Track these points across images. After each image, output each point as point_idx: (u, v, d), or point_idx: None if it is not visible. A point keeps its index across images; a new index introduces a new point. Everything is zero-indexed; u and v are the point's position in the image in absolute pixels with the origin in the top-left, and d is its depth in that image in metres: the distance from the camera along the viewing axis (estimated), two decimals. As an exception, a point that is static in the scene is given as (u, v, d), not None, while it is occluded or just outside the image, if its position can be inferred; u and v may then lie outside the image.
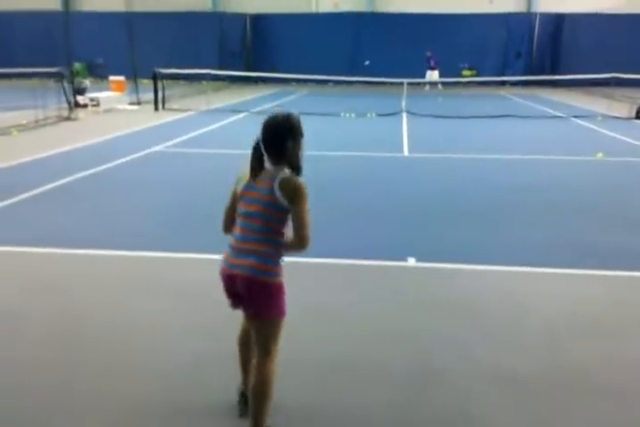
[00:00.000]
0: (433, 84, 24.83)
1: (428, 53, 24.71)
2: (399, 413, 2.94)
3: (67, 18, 16.22)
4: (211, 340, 3.60)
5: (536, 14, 28.11)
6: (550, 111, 17.14)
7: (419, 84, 22.46)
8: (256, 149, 2.60)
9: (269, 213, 2.53)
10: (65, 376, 3.24)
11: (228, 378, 3.02)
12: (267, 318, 2.58)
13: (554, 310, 4.14)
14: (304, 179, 2.59)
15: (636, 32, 25.77)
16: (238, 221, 2.61)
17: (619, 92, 18.92)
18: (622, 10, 26.02)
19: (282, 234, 2.58)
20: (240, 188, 2.61)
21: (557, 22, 27.67)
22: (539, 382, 3.22)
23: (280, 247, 2.57)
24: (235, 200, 2.65)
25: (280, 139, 2.56)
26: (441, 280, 4.71)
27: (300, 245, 2.54)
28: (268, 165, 2.60)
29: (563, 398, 3.08)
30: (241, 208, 2.60)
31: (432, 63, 24.67)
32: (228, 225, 2.70)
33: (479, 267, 4.94)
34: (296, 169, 2.59)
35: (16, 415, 2.88)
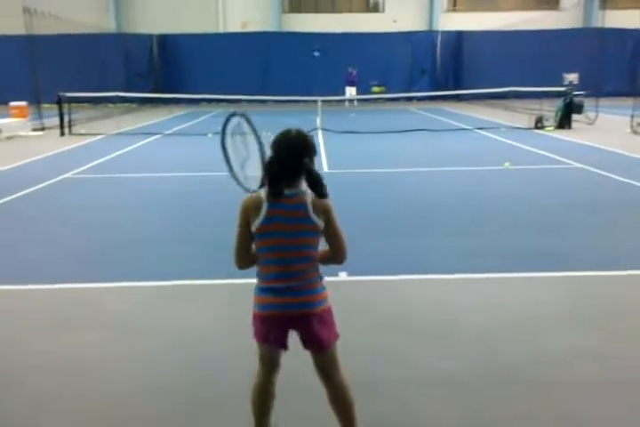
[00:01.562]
0: (350, 100, 25.43)
1: (350, 69, 25.33)
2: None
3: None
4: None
5: (437, 32, 29.44)
6: (457, 124, 17.89)
7: (337, 101, 22.82)
8: (276, 171, 2.35)
9: (307, 241, 2.42)
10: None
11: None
12: (333, 343, 2.54)
13: (482, 314, 4.26)
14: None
15: (530, 47, 27.42)
16: (266, 258, 2.42)
17: (517, 104, 20.04)
18: (516, 26, 27.71)
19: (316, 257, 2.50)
20: (257, 224, 2.37)
21: (457, 40, 29.12)
22: (477, 383, 3.31)
23: (320, 271, 2.52)
24: (248, 234, 2.41)
25: (299, 156, 2.37)
26: (372, 292, 4.76)
27: (342, 260, 2.52)
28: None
29: (500, 394, 3.20)
30: (268, 244, 2.40)
31: (353, 80, 25.38)
32: (247, 260, 2.48)
33: (408, 277, 5.03)
34: (322, 187, 2.38)
35: None
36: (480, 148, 13.15)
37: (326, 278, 4.80)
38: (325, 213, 2.40)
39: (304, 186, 2.41)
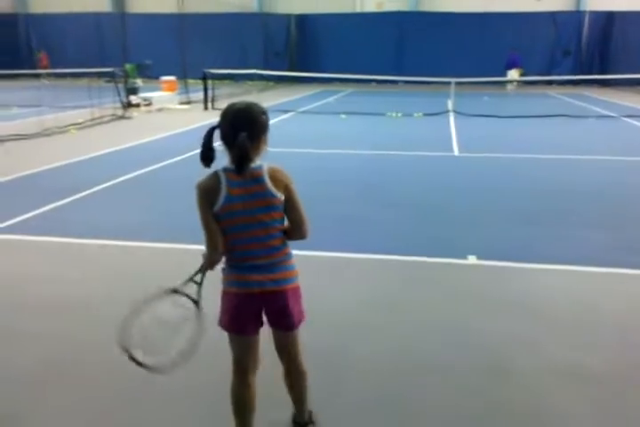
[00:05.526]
0: (511, 82, 24.87)
1: (512, 51, 24.48)
2: (475, 408, 2.99)
3: (122, 20, 16.63)
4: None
5: (585, 12, 27.57)
6: (601, 111, 16.83)
7: (471, 83, 22.32)
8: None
9: (271, 216, 2.31)
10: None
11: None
12: (301, 323, 2.48)
13: (622, 309, 4.14)
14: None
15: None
16: (235, 237, 2.31)
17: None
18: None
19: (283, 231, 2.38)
20: (219, 205, 2.26)
21: (607, 21, 27.08)
22: (614, 380, 3.24)
23: (289, 247, 2.41)
24: (212, 218, 2.28)
25: (237, 129, 2.26)
26: (502, 279, 4.73)
27: (305, 235, 2.38)
28: (229, 161, 2.29)
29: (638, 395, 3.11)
30: (234, 224, 2.29)
31: (515, 61, 24.59)
32: (221, 243, 2.32)
33: (540, 266, 4.94)
34: (240, 165, 2.26)
35: None
36: (627, 136, 12.34)
37: (454, 261, 5.00)
38: (285, 186, 2.31)
39: (259, 161, 2.34)
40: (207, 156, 2.32)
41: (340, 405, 2.95)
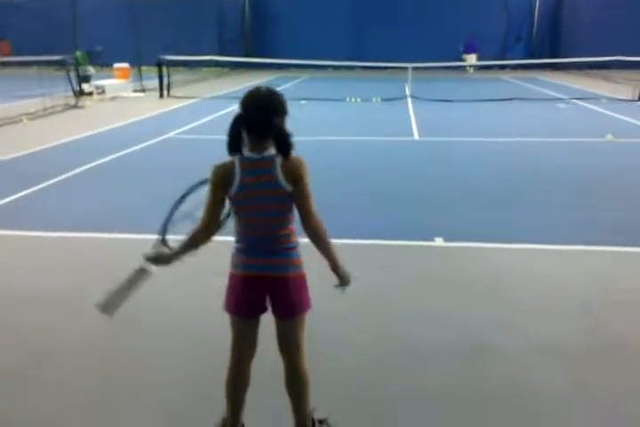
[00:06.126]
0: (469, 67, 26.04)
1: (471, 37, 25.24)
2: (454, 388, 3.04)
3: (74, 5, 16.10)
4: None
5: (536, -4, 28.06)
6: (553, 93, 17.22)
7: (427, 68, 22.59)
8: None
9: (279, 207, 2.33)
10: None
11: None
12: (303, 313, 2.47)
13: (588, 286, 4.27)
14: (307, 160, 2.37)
15: (635, 14, 25.72)
16: (244, 223, 2.36)
17: (619, 74, 18.98)
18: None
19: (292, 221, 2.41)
20: (232, 192, 2.30)
21: (557, 5, 27.64)
22: (588, 356, 3.34)
23: (297, 237, 2.41)
24: (220, 202, 2.33)
25: (269, 114, 2.26)
26: (470, 259, 4.83)
27: (313, 228, 2.34)
28: (246, 149, 2.30)
29: (612, 369, 3.21)
30: (244, 210, 2.34)
31: (472, 46, 25.63)
32: (215, 227, 2.36)
33: (505, 246, 5.07)
34: (288, 147, 2.28)
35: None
36: (578, 119, 12.68)
37: (421, 243, 5.07)
38: (296, 176, 2.29)
39: (273, 150, 2.31)
40: (237, 144, 2.29)
41: (322, 394, 2.97)
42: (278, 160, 2.28)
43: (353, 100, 15.73)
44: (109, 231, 5.38)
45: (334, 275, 2.43)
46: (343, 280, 2.44)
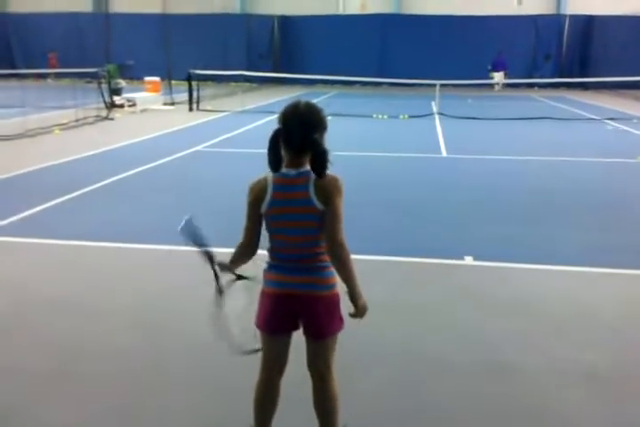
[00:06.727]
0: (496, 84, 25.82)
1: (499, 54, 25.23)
2: (477, 405, 2.99)
3: (107, 20, 16.49)
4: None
5: (565, 16, 27.95)
6: (583, 113, 17.04)
7: (454, 85, 22.60)
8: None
9: (311, 224, 2.27)
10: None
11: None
12: (334, 334, 2.41)
13: (616, 308, 4.18)
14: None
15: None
16: (275, 239, 2.33)
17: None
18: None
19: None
20: (264, 208, 2.28)
21: (587, 24, 27.49)
22: (616, 378, 3.26)
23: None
24: (256, 216, 2.32)
25: (309, 130, 2.23)
26: (500, 279, 4.76)
27: (335, 251, 2.25)
28: (284, 164, 2.28)
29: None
30: (275, 226, 2.31)
31: (501, 64, 25.30)
32: (254, 242, 2.37)
33: (535, 266, 4.98)
34: (324, 167, 2.23)
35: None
36: (610, 139, 12.51)
37: (452, 262, 5.00)
38: (328, 195, 2.23)
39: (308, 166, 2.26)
40: (277, 161, 2.27)
41: (350, 407, 2.92)
42: (313, 177, 2.24)
43: (380, 116, 15.75)
44: (139, 242, 5.40)
45: (351, 303, 2.32)
46: (359, 311, 2.33)
